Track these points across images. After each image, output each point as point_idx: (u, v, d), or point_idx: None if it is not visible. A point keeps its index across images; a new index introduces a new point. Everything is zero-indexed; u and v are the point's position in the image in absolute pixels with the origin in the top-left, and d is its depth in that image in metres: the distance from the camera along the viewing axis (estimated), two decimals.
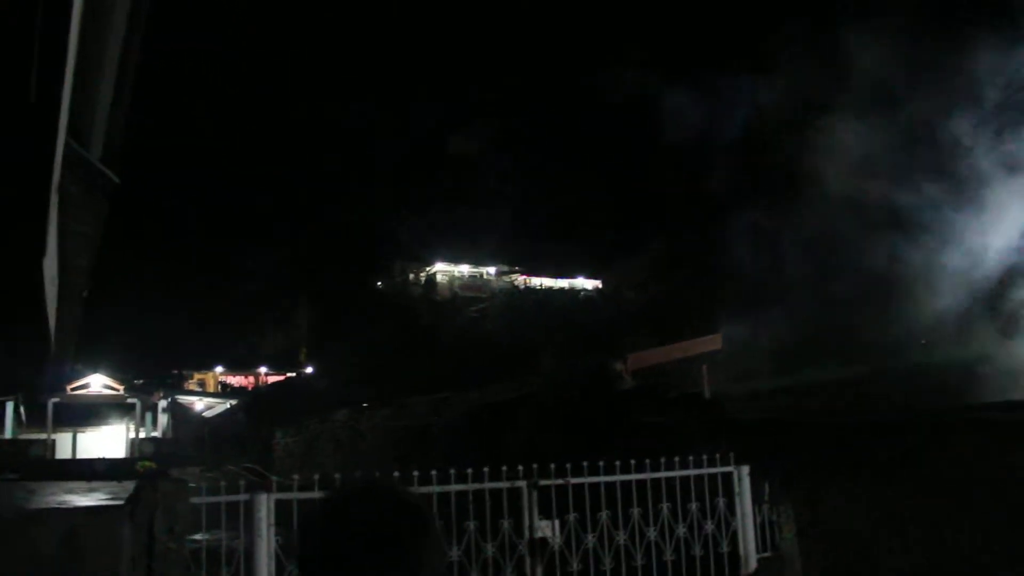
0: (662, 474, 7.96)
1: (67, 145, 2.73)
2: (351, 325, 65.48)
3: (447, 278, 79.93)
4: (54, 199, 2.72)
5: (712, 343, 33.42)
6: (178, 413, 47.94)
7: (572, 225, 78.97)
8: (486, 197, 78.93)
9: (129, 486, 6.06)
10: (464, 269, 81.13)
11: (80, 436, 43.66)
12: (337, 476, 6.49)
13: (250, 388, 67.14)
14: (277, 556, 6.41)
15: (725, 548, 8.18)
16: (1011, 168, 24.71)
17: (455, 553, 7.05)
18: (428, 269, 79.91)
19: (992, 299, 25.58)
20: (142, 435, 43.81)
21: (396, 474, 6.69)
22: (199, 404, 52.33)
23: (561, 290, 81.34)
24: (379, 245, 78.82)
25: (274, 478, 7.14)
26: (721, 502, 8.18)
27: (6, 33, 2.13)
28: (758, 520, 8.43)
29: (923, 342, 27.57)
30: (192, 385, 65.82)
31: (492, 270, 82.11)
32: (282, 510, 6.42)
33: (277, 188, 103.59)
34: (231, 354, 73.59)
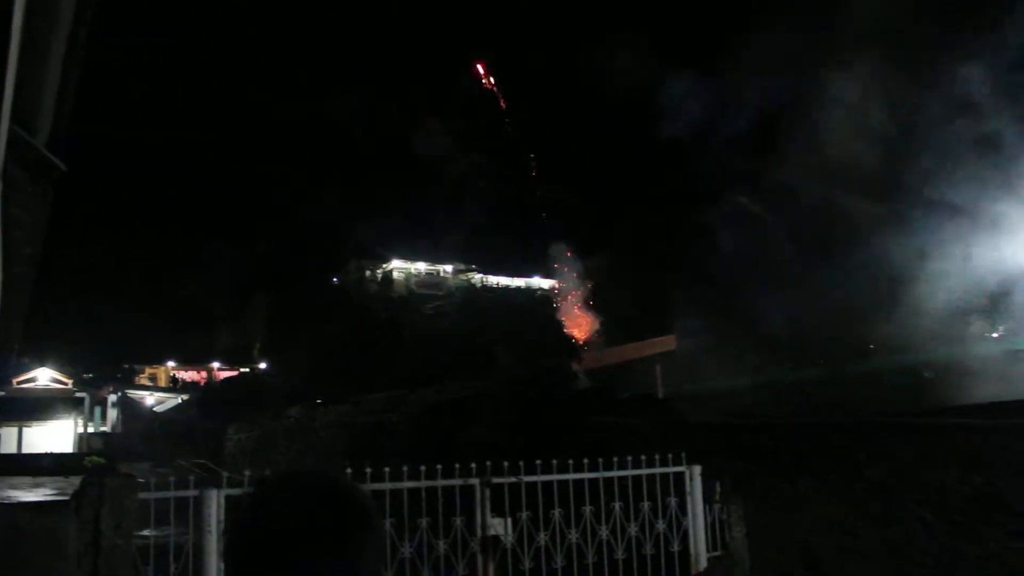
0: (614, 473, 7.99)
1: (11, 131, 2.66)
2: (306, 321, 65.06)
3: (403, 275, 79.71)
4: None
5: (666, 344, 33.62)
6: (128, 408, 47.23)
7: (529, 224, 79.18)
8: (443, 195, 78.92)
9: (76, 481, 5.95)
10: (421, 266, 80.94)
11: (26, 431, 42.85)
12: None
13: (202, 383, 66.41)
14: None
15: (676, 547, 8.23)
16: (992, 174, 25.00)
17: (407, 550, 7.02)
18: (384, 266, 79.63)
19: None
20: (91, 430, 43.13)
21: (348, 470, 6.64)
22: (150, 399, 51.67)
23: (518, 289, 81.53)
24: (335, 241, 78.46)
25: (225, 474, 7.04)
26: (673, 501, 8.23)
27: None
28: (709, 519, 8.49)
29: (871, 346, 28.02)
30: (143, 379, 64.95)
31: (449, 268, 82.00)
32: (233, 506, 6.34)
33: (233, 181, 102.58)
34: (183, 348, 72.82)
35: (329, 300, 70.83)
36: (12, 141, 2.72)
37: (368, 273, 79.10)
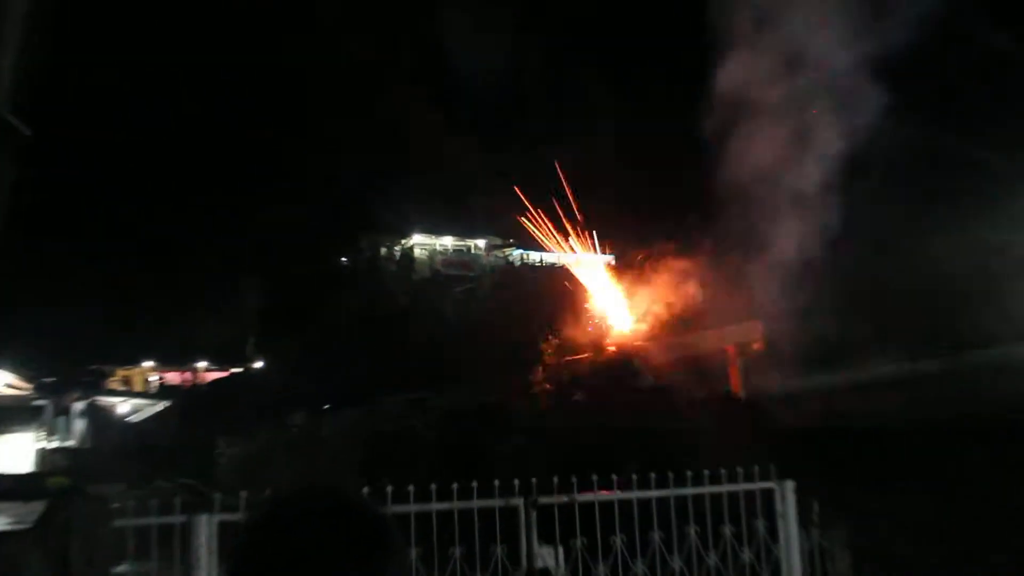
0: (688, 490, 7.96)
1: None
2: (309, 310, 65.39)
3: (427, 252, 79.68)
4: None
5: (749, 332, 33.32)
6: (98, 418, 47.88)
7: (577, 187, 78.66)
8: (474, 155, 78.78)
9: (38, 507, 6.04)
10: (447, 242, 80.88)
11: None
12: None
13: (186, 387, 67.11)
14: None
15: None
16: None
17: None
18: (404, 242, 79.63)
19: None
20: (53, 445, 43.71)
21: (365, 489, 6.67)
22: (123, 406, 52.35)
23: (564, 267, 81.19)
24: (344, 213, 78.63)
25: (216, 495, 7.10)
26: (761, 525, 8.19)
27: None
28: (806, 547, 8.44)
29: (994, 334, 27.63)
30: (115, 383, 65.64)
31: (481, 243, 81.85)
32: (227, 534, 6.41)
33: (217, 146, 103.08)
34: (162, 346, 73.56)
35: (337, 284, 71.06)
36: None
37: (384, 251, 79.08)
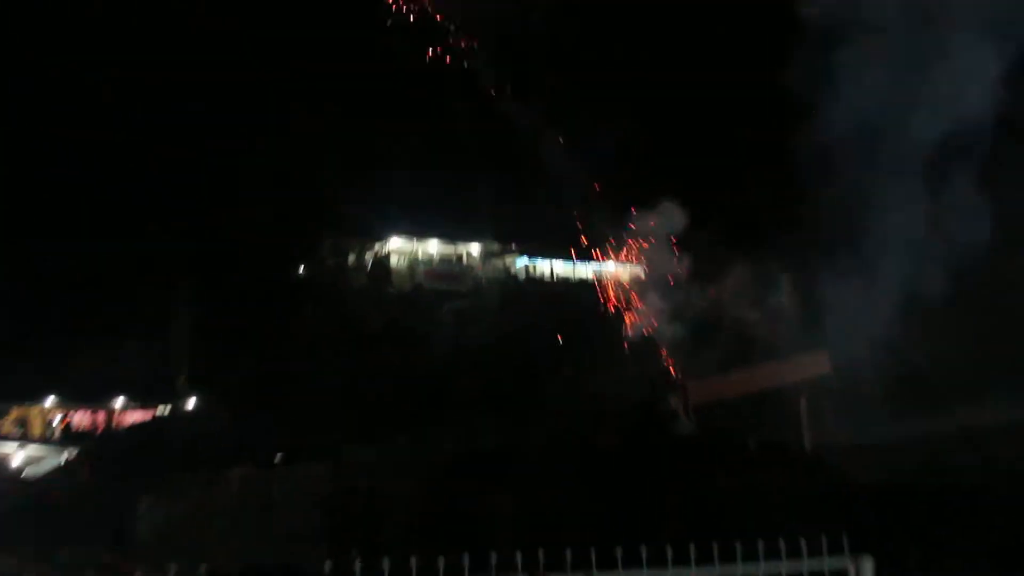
0: (739, 568, 7.96)
1: None
2: (257, 334, 65.33)
3: (406, 260, 79.57)
4: None
5: (815, 365, 33.33)
6: None
7: (597, 182, 78.59)
8: (466, 138, 78.76)
9: None
10: (432, 248, 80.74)
11: None
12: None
13: (98, 431, 66.96)
14: None
15: None
16: None
17: None
18: (377, 248, 79.50)
19: None
20: None
21: (328, 565, 6.70)
22: (18, 456, 52.34)
23: (583, 282, 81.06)
24: (301, 212, 78.46)
25: (136, 571, 7.17)
26: None
27: None
28: None
29: None
30: (7, 427, 65.61)
31: (475, 249, 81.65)
32: None
33: (144, 126, 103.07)
34: (69, 379, 73.25)
35: (292, 301, 71.05)
36: None
37: (352, 258, 78.95)
